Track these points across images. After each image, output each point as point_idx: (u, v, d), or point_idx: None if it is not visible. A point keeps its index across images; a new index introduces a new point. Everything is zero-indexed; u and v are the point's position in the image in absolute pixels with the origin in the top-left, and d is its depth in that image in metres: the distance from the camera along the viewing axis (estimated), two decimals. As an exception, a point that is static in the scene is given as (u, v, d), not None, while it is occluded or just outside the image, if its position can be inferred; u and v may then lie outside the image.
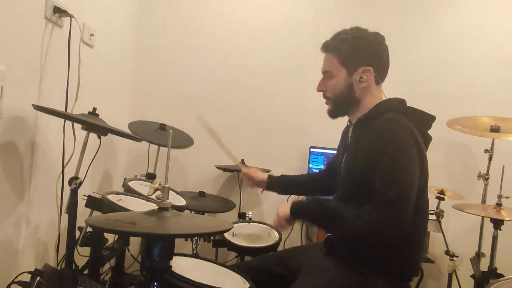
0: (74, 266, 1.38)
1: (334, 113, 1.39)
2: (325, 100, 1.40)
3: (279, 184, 1.69)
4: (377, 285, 1.17)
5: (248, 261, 1.62)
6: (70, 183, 1.34)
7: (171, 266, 1.03)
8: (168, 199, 1.01)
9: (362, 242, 1.21)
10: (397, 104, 1.30)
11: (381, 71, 1.33)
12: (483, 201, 2.17)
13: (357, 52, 1.30)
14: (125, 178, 1.74)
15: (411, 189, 1.12)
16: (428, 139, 1.29)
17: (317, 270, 1.27)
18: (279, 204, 1.37)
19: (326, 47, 1.36)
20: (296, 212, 1.29)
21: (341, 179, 1.37)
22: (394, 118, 1.20)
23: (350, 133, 1.39)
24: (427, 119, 1.29)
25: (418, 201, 1.17)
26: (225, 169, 2.38)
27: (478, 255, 2.13)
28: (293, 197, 1.80)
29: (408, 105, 1.31)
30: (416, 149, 1.18)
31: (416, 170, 1.16)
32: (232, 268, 1.38)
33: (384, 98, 1.34)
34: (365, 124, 1.28)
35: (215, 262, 1.45)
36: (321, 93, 1.40)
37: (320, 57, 1.40)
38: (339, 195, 1.38)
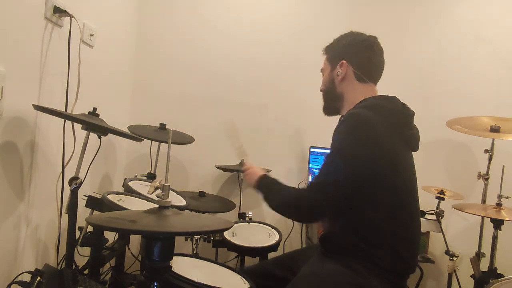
0: (74, 266, 1.38)
1: (324, 109, 1.47)
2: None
3: None
4: (371, 282, 1.17)
5: (249, 266, 1.62)
6: (70, 183, 1.34)
7: (171, 266, 1.03)
8: (168, 197, 1.01)
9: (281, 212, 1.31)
10: (372, 100, 1.28)
11: (360, 67, 1.34)
12: (483, 201, 2.17)
13: (337, 48, 1.39)
14: (125, 178, 1.74)
15: (333, 183, 1.18)
16: (407, 137, 1.28)
17: (313, 269, 1.27)
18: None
19: (324, 49, 1.45)
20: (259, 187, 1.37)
21: None
22: (355, 113, 1.20)
23: None
24: (403, 115, 1.28)
25: (398, 197, 1.20)
26: (225, 169, 2.38)
27: (478, 255, 2.13)
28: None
29: (403, 102, 1.31)
30: (374, 146, 1.17)
31: (353, 167, 1.17)
32: (232, 268, 1.38)
33: None
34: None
35: (215, 262, 1.45)
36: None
37: (318, 56, 1.46)
38: None
